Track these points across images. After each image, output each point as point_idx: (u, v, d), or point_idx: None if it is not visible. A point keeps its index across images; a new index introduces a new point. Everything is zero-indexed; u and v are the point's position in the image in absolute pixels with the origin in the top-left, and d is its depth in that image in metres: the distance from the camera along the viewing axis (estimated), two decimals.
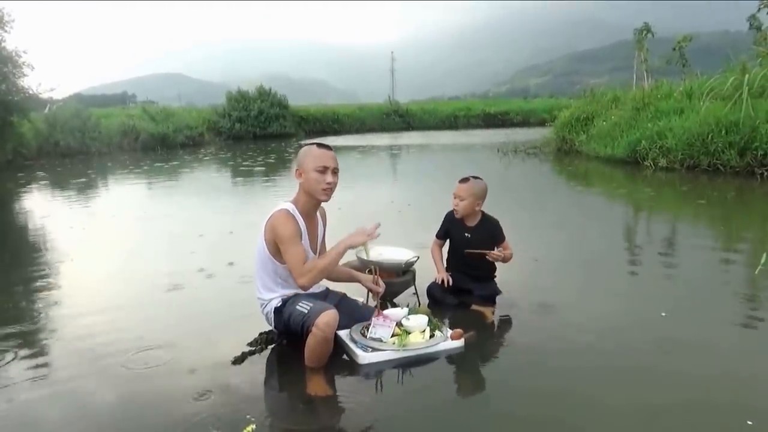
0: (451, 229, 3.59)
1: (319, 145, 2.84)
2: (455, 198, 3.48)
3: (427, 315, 2.91)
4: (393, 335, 2.76)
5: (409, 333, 2.79)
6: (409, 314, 2.91)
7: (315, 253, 2.94)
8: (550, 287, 3.86)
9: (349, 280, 3.13)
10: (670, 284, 4.00)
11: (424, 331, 2.82)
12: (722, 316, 3.31)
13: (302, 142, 20.92)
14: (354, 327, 2.86)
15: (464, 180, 3.48)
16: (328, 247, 3.13)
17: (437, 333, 2.83)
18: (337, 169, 2.83)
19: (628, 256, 4.84)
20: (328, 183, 2.77)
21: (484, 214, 3.56)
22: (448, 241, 3.66)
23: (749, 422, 2.16)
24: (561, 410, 2.30)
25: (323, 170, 2.76)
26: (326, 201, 2.88)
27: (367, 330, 2.80)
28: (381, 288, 3.00)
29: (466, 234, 3.49)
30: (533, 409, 2.32)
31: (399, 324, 2.83)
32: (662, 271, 4.32)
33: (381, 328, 2.77)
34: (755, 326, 3.20)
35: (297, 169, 2.83)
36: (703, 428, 2.18)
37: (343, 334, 2.82)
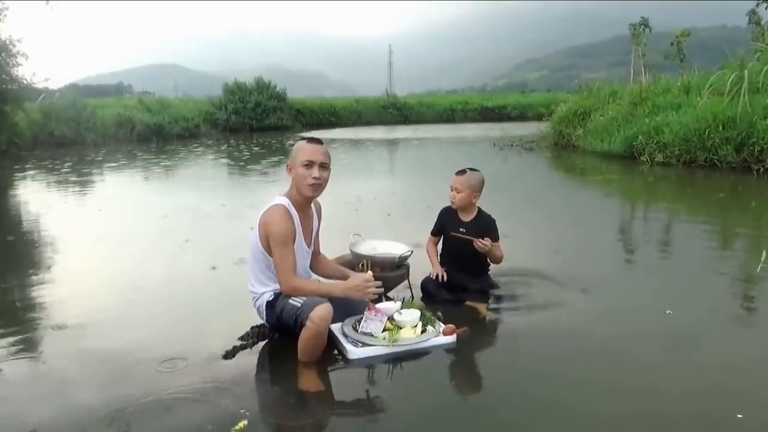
0: (446, 224, 3.55)
1: (309, 139, 2.81)
2: (452, 190, 3.45)
3: (421, 310, 2.89)
4: (384, 330, 2.74)
5: (401, 328, 2.76)
6: (402, 308, 2.88)
7: (309, 246, 2.91)
8: (545, 282, 3.84)
9: (343, 278, 3.04)
10: (665, 278, 3.99)
11: (415, 326, 2.79)
12: (717, 311, 3.31)
13: (302, 135, 20.85)
14: (346, 321, 2.83)
15: (461, 172, 3.45)
16: (322, 243, 3.12)
17: (429, 328, 2.81)
18: (327, 164, 2.78)
19: (625, 252, 4.83)
20: (315, 178, 2.73)
21: (480, 210, 3.53)
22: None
23: (739, 416, 2.18)
24: (554, 407, 2.29)
25: (309, 165, 2.72)
26: (314, 197, 2.83)
27: (359, 324, 2.78)
28: (377, 290, 2.71)
29: (461, 229, 3.45)
30: (527, 406, 2.31)
31: (391, 318, 2.80)
32: (659, 265, 4.31)
33: (372, 322, 2.75)
34: (750, 321, 3.20)
35: (288, 164, 2.81)
36: (692, 421, 2.19)
37: (335, 328, 2.79)
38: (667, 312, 3.22)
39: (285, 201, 2.76)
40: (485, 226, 3.45)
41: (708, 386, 2.45)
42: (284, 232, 2.67)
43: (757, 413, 2.22)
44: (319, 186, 2.77)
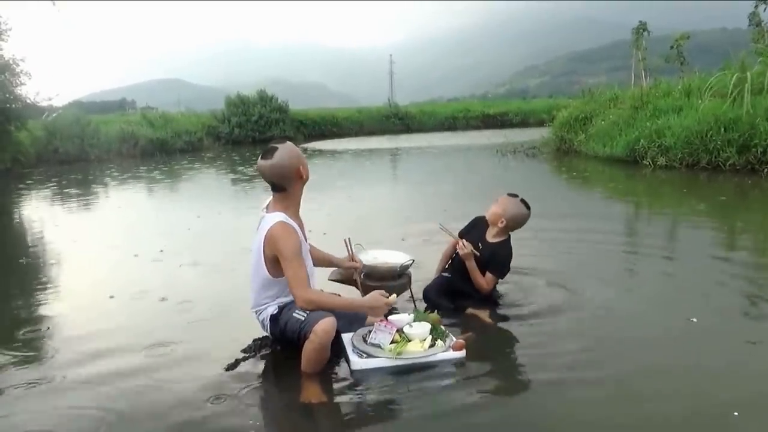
0: (471, 233, 3.48)
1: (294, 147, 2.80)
2: (494, 202, 3.43)
3: (434, 323, 2.82)
4: (392, 342, 2.70)
5: (410, 341, 2.72)
6: (414, 321, 2.83)
7: (306, 242, 2.89)
8: (549, 290, 3.81)
9: (329, 265, 3.24)
10: (665, 279, 3.96)
11: (424, 340, 2.73)
12: (722, 312, 3.28)
13: (304, 146, 20.89)
14: (358, 331, 2.81)
15: (513, 194, 3.43)
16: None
17: (438, 342, 2.74)
18: None
19: (631, 257, 4.79)
20: None
21: (507, 240, 3.46)
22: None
23: (735, 413, 2.19)
24: (553, 417, 2.26)
25: None
26: None
27: (369, 335, 2.75)
28: (358, 264, 3.19)
29: (479, 245, 3.39)
30: (532, 417, 2.28)
31: (401, 331, 2.76)
32: (663, 268, 4.28)
33: (381, 333, 2.71)
34: (752, 322, 3.17)
35: (299, 169, 2.72)
36: (690, 419, 2.20)
37: (346, 337, 2.78)
38: (693, 320, 3.16)
39: (282, 216, 2.72)
40: (499, 257, 3.39)
41: (703, 384, 2.47)
42: (294, 246, 2.65)
43: (754, 411, 2.23)
44: None
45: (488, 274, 3.37)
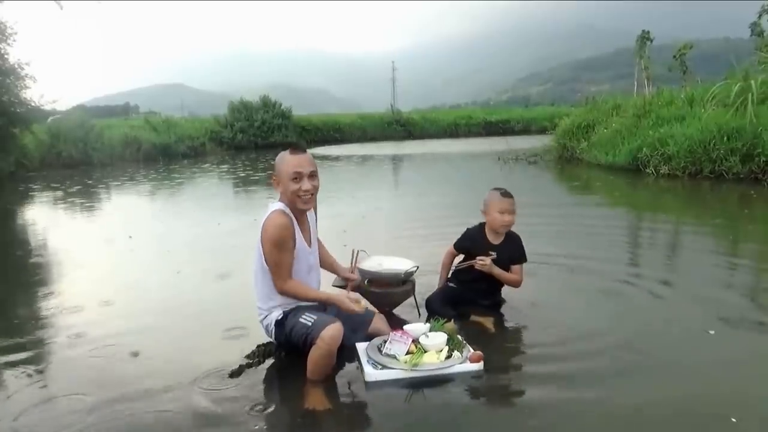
0: (474, 247, 3.42)
1: (293, 149, 2.71)
2: (507, 214, 3.33)
3: (451, 333, 2.77)
4: (408, 353, 2.64)
5: (425, 352, 2.65)
6: (430, 331, 2.78)
7: (309, 245, 2.85)
8: (554, 298, 3.80)
9: (331, 270, 3.18)
10: (670, 286, 3.95)
11: (440, 351, 2.67)
12: (720, 319, 3.26)
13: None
14: (374, 340, 2.77)
15: (509, 194, 3.37)
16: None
17: (455, 354, 2.66)
18: (315, 172, 2.69)
19: (636, 267, 4.78)
20: (305, 190, 2.64)
21: (510, 232, 3.47)
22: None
23: (733, 419, 2.18)
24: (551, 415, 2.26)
25: (298, 177, 2.63)
26: (307, 209, 2.76)
27: (384, 345, 2.71)
28: (356, 276, 3.16)
29: (491, 252, 3.35)
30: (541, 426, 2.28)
31: (417, 341, 2.70)
32: (668, 275, 4.27)
33: (397, 344, 2.66)
34: (750, 329, 3.17)
35: (273, 177, 2.72)
36: (687, 425, 2.20)
37: (361, 347, 2.75)
38: (710, 332, 3.11)
39: (280, 205, 2.70)
40: (515, 248, 3.41)
41: (701, 389, 2.47)
42: (278, 236, 2.61)
43: (752, 417, 2.23)
44: (310, 198, 2.69)
45: (515, 267, 3.39)
